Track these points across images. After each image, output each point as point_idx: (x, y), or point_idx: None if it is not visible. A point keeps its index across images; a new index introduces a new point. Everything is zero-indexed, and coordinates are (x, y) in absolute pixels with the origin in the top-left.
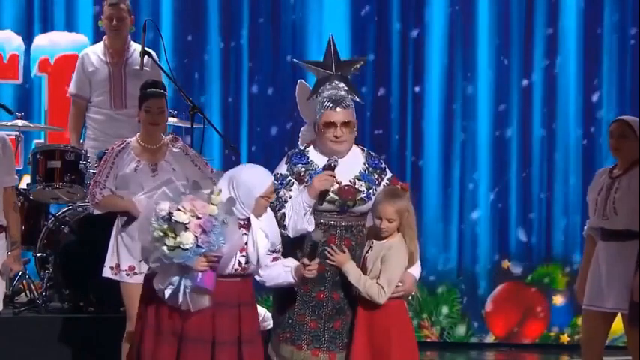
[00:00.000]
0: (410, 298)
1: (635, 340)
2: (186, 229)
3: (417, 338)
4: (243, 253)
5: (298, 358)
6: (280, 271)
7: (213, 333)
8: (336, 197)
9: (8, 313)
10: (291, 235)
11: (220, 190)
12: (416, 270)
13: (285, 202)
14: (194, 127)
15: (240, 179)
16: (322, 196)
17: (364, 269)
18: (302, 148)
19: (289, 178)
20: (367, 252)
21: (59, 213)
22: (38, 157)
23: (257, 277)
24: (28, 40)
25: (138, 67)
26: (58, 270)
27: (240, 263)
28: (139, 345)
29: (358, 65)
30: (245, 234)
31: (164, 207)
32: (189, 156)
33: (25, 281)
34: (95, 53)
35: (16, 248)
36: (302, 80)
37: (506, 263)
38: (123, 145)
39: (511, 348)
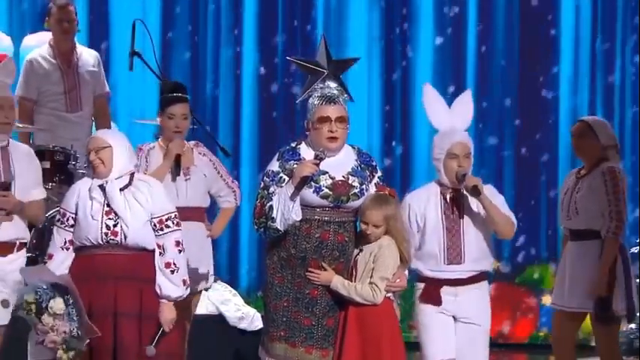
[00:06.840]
0: (399, 301)
1: (606, 338)
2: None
3: (408, 339)
4: (110, 217)
5: (292, 356)
6: None
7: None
8: (330, 192)
9: None
10: (279, 227)
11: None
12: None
13: None
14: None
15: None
16: (303, 183)
17: (354, 273)
18: (294, 145)
19: (281, 174)
20: (357, 255)
21: (49, 214)
22: None
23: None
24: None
25: (90, 69)
26: None
27: (108, 227)
28: None
29: (350, 64)
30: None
31: (30, 299)
32: (212, 161)
33: None
34: (43, 57)
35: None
36: None
37: (495, 263)
38: (150, 148)
39: (501, 348)
